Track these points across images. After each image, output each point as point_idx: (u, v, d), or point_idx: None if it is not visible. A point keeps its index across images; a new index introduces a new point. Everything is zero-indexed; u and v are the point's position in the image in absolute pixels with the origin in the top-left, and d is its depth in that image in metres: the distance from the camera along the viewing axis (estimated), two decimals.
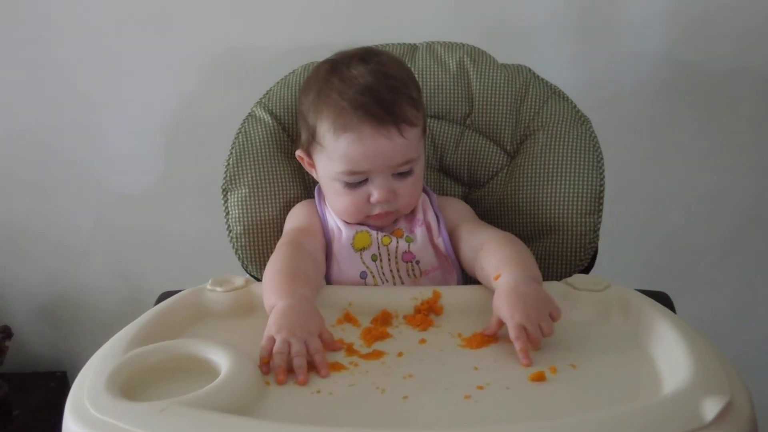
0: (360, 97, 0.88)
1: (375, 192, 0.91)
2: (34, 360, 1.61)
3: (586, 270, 1.02)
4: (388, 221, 0.95)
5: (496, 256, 0.87)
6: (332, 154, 0.90)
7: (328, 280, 0.95)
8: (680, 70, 1.37)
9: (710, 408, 0.60)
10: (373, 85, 0.89)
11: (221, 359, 0.70)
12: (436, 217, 0.98)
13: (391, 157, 0.89)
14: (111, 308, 1.56)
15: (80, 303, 1.58)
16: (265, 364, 0.73)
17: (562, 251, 1.00)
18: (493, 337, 0.78)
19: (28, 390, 1.52)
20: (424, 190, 1.01)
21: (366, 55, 0.94)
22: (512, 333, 0.74)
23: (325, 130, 0.90)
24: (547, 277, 1.00)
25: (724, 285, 1.51)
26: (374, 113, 0.87)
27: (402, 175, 0.92)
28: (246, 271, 1.05)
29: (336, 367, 0.74)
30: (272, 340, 0.74)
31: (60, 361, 1.61)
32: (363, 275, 0.94)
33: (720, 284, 1.51)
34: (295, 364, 0.71)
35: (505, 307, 0.77)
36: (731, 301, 1.52)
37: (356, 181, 0.91)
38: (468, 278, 0.97)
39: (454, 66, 1.08)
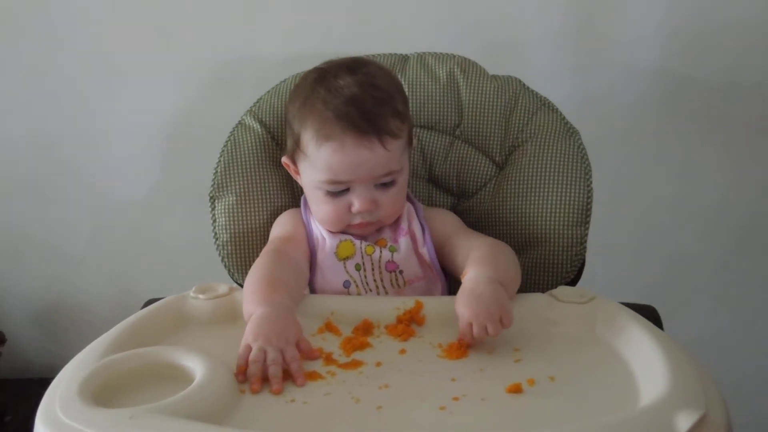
0: (344, 108, 0.88)
1: (356, 202, 0.91)
2: (28, 366, 1.61)
3: (574, 282, 1.01)
4: (370, 231, 0.95)
5: (472, 258, 0.88)
6: (315, 162, 0.90)
7: (312, 289, 0.95)
8: (677, 84, 1.36)
9: (684, 421, 0.60)
10: (359, 96, 0.89)
11: (196, 367, 0.70)
12: (422, 227, 0.97)
13: (373, 168, 0.89)
14: (107, 315, 1.56)
15: (76, 309, 1.59)
16: (242, 373, 0.72)
17: (548, 263, 0.99)
18: (467, 343, 0.78)
19: (21, 396, 1.52)
20: (410, 200, 1.01)
21: (354, 66, 0.94)
22: (460, 326, 0.78)
23: (308, 138, 0.90)
24: (533, 288, 0.99)
25: (723, 299, 1.49)
26: (357, 124, 0.87)
27: (384, 185, 0.92)
28: (232, 279, 1.05)
29: (313, 376, 0.74)
30: (249, 349, 0.74)
31: (54, 367, 1.57)
32: (346, 284, 0.94)
33: (719, 298, 1.49)
34: (270, 372, 0.71)
35: (459, 304, 0.79)
36: (730, 315, 1.50)
37: (338, 190, 0.91)
38: (453, 289, 0.97)
39: (444, 76, 1.08)
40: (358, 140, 0.87)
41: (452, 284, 0.98)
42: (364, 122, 0.87)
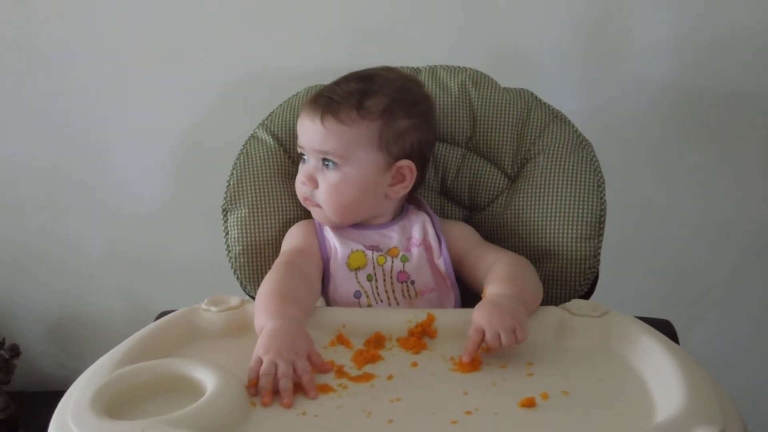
0: (320, 90, 0.98)
1: (301, 169, 0.98)
2: (41, 379, 1.61)
3: (587, 295, 1.00)
4: (318, 215, 0.98)
5: (492, 276, 0.89)
6: None
7: (326, 299, 0.95)
8: (688, 97, 1.36)
9: None
10: (341, 84, 0.97)
11: (208, 379, 0.70)
12: (438, 238, 0.98)
13: (311, 140, 0.95)
14: (119, 329, 1.54)
15: (88, 323, 1.59)
16: (253, 386, 0.72)
17: (561, 276, 0.98)
18: (470, 349, 0.78)
19: (34, 409, 1.52)
20: (426, 211, 1.01)
21: (375, 68, 1.00)
22: (470, 331, 0.79)
23: None
24: (546, 301, 0.98)
25: (738, 312, 1.48)
26: (314, 99, 0.97)
27: (327, 167, 0.95)
28: (245, 291, 1.05)
29: (324, 389, 0.73)
30: (260, 362, 0.74)
31: (67, 380, 1.58)
32: (357, 294, 0.94)
33: (733, 311, 1.48)
34: (281, 385, 0.71)
35: (475, 312, 0.81)
36: (746, 328, 1.48)
37: (300, 153, 0.98)
38: (466, 302, 0.97)
39: (456, 89, 1.08)
40: (308, 111, 0.96)
41: (466, 297, 0.97)
42: (318, 98, 0.96)
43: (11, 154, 1.48)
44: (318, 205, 0.97)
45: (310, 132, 0.95)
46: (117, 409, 0.67)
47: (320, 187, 0.96)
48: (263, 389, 0.71)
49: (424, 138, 0.99)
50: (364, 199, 0.96)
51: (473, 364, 0.77)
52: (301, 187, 0.98)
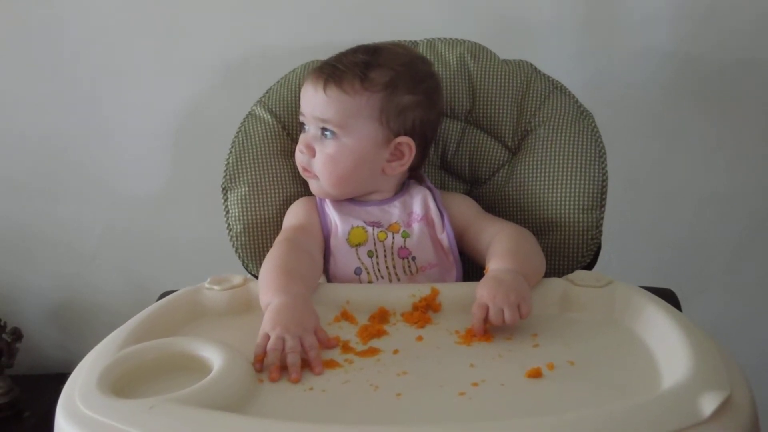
0: (328, 60, 0.98)
1: (301, 139, 0.97)
2: (44, 362, 1.61)
3: (590, 266, 1.00)
4: (315, 187, 0.98)
5: (494, 251, 0.88)
6: None
7: (327, 275, 0.95)
8: (688, 66, 1.35)
9: (708, 403, 0.59)
10: (348, 55, 0.96)
11: (214, 357, 0.70)
12: (440, 212, 0.97)
13: (313, 108, 0.95)
14: (120, 310, 1.54)
15: (90, 305, 1.59)
16: (260, 362, 0.72)
17: (564, 247, 0.98)
18: (475, 327, 0.78)
19: (38, 392, 1.52)
20: (427, 186, 1.01)
21: (387, 44, 0.99)
22: (473, 307, 0.79)
23: None
24: (549, 273, 0.97)
25: (737, 284, 1.48)
26: (321, 68, 0.96)
27: (326, 136, 0.94)
28: (246, 269, 1.04)
29: (330, 364, 0.73)
30: (267, 338, 0.74)
31: (70, 363, 1.60)
32: (357, 271, 0.94)
33: (732, 284, 1.48)
34: (289, 361, 0.71)
35: (479, 288, 0.81)
36: (744, 300, 1.49)
37: (302, 123, 0.98)
38: (468, 277, 0.97)
39: (455, 62, 1.07)
40: (311, 79, 0.96)
41: (468, 271, 0.97)
42: (324, 66, 0.96)
43: (9, 135, 1.47)
44: (315, 176, 0.97)
45: (312, 100, 0.95)
46: (124, 388, 0.67)
47: (317, 156, 0.95)
48: (271, 365, 0.71)
49: (427, 117, 0.98)
50: (360, 172, 0.95)
51: (485, 336, 0.78)
52: (299, 155, 0.98)
